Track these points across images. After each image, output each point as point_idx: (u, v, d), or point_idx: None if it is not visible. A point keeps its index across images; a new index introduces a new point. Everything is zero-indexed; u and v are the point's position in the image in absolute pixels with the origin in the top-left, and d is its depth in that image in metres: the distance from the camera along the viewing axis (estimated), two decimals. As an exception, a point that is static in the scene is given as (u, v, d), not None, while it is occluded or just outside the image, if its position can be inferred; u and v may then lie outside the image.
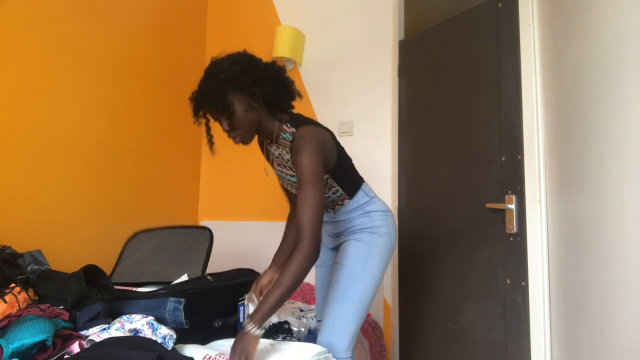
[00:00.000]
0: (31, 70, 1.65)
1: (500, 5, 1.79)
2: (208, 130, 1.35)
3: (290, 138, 1.31)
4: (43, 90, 1.69)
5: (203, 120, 1.33)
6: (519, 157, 1.65)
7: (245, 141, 1.34)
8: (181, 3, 2.65)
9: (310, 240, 1.18)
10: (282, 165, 1.40)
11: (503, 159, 1.73)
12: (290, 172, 1.37)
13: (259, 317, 1.12)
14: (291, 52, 2.54)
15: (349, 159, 1.46)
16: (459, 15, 2.03)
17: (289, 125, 1.33)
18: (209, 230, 1.66)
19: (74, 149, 1.84)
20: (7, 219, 1.54)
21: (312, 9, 2.69)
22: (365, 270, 1.33)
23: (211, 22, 2.92)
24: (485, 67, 1.85)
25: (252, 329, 1.11)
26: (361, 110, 2.52)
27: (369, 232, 1.37)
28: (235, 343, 1.12)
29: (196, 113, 1.30)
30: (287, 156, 1.34)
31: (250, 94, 1.28)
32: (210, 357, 1.12)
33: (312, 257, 1.18)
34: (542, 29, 1.60)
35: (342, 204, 1.42)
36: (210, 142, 1.37)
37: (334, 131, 2.58)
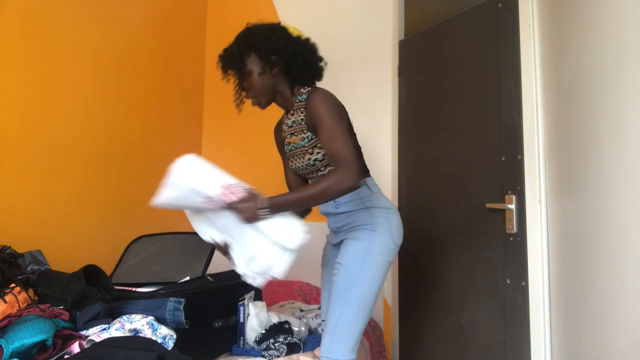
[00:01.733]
0: (31, 70, 1.65)
1: (500, 5, 1.79)
2: (236, 87, 1.43)
3: (305, 97, 1.36)
4: (43, 90, 1.69)
5: (232, 78, 1.42)
6: (519, 157, 1.65)
7: (261, 104, 1.42)
8: (181, 3, 2.65)
9: (347, 166, 1.17)
10: (294, 134, 1.40)
11: (503, 159, 1.73)
12: (302, 135, 1.38)
13: (272, 204, 1.17)
14: (291, 52, 2.54)
15: (356, 142, 1.47)
16: (459, 15, 2.03)
17: (305, 88, 1.40)
18: None
19: (74, 149, 1.83)
20: (7, 219, 1.53)
21: (312, 9, 2.69)
22: (363, 270, 1.32)
23: (211, 22, 2.92)
24: (485, 67, 1.85)
25: (262, 210, 1.16)
26: (361, 110, 2.50)
27: (368, 229, 1.35)
28: (242, 204, 1.17)
29: (224, 71, 1.41)
30: (302, 116, 1.37)
31: (266, 60, 1.37)
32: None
33: (347, 182, 1.17)
34: (542, 29, 1.60)
35: None
36: (239, 100, 1.45)
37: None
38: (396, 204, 2.32)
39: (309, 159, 1.39)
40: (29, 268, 1.30)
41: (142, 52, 2.26)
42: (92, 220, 1.91)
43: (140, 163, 2.24)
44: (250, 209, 1.17)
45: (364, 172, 1.45)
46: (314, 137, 1.35)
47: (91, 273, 1.26)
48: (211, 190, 1.15)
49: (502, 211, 1.69)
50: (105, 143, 2.00)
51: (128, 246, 1.68)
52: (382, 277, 1.36)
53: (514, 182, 1.66)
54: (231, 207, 1.18)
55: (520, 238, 1.62)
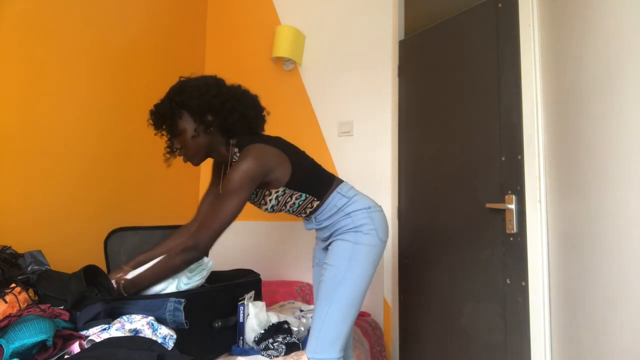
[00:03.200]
0: (31, 70, 1.65)
1: (500, 5, 1.79)
2: (170, 144, 1.41)
3: (236, 159, 1.34)
4: (43, 90, 1.69)
5: (165, 134, 1.40)
6: (519, 157, 1.65)
7: (193, 162, 1.41)
8: (181, 3, 2.65)
9: (196, 242, 1.24)
10: None
11: (503, 159, 1.73)
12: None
13: (129, 288, 1.28)
14: (291, 52, 2.54)
15: (310, 165, 1.44)
16: (459, 15, 2.03)
17: (237, 149, 1.37)
18: None
19: (74, 149, 1.83)
20: (7, 219, 1.54)
21: (312, 9, 2.69)
22: (350, 269, 1.31)
23: (211, 22, 2.92)
24: (485, 67, 1.85)
25: (122, 289, 1.28)
26: (361, 110, 2.52)
27: (353, 231, 1.35)
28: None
29: (155, 128, 1.39)
30: None
31: (201, 120, 1.33)
32: None
33: (190, 257, 1.25)
34: (542, 29, 1.60)
35: (312, 207, 1.41)
36: (170, 154, 1.43)
37: (333, 131, 2.61)
38: (396, 204, 2.32)
39: (267, 209, 1.41)
40: (29, 268, 1.30)
41: (142, 52, 2.26)
42: (92, 221, 1.91)
43: (140, 163, 2.24)
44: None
45: (327, 182, 1.41)
46: (258, 190, 1.36)
47: (91, 273, 1.26)
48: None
49: (502, 211, 1.69)
50: (105, 143, 2.00)
51: (105, 245, 1.63)
52: (369, 276, 1.35)
53: (514, 182, 1.66)
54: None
55: (520, 238, 1.62)
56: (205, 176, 2.82)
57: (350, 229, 1.35)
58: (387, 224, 1.41)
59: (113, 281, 1.32)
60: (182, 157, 1.41)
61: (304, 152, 1.47)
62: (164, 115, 1.34)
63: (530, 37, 1.63)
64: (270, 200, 1.38)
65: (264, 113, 1.47)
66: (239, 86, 1.43)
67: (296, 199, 1.38)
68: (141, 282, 1.29)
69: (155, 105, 1.37)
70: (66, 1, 1.80)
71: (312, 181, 1.40)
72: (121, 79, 2.10)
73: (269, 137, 1.43)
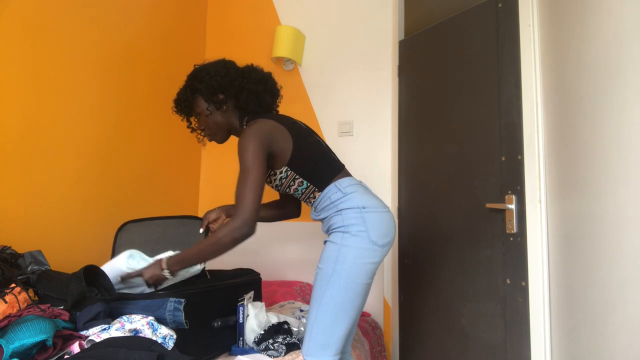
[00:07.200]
0: (31, 70, 1.65)
1: (500, 5, 1.79)
2: (190, 124, 1.53)
3: None
4: (43, 91, 1.69)
5: (193, 119, 1.51)
6: (519, 157, 1.65)
7: (216, 141, 1.49)
8: (181, 3, 2.65)
9: (240, 216, 1.22)
10: None
11: (503, 159, 1.73)
12: None
13: (173, 265, 1.28)
14: (291, 52, 2.54)
15: (316, 150, 1.41)
16: (459, 15, 2.03)
17: (246, 125, 1.42)
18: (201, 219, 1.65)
19: (75, 149, 1.84)
20: (7, 219, 1.54)
21: (312, 9, 2.69)
22: (336, 272, 1.26)
23: (211, 22, 2.92)
24: (485, 67, 1.85)
25: (165, 271, 1.28)
26: (361, 110, 2.52)
27: (340, 232, 1.30)
28: (147, 269, 1.31)
29: (180, 115, 1.51)
30: None
31: (212, 100, 1.41)
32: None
33: (236, 233, 1.23)
34: (542, 29, 1.60)
35: (314, 197, 1.39)
36: (194, 133, 1.55)
37: (333, 131, 2.60)
38: (396, 204, 2.32)
39: (272, 187, 1.44)
40: (29, 268, 1.30)
41: (142, 52, 2.26)
42: (92, 221, 1.91)
43: (140, 163, 2.24)
44: (155, 271, 1.30)
45: (329, 173, 1.38)
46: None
47: (91, 273, 1.26)
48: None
49: (502, 211, 1.69)
50: (105, 143, 2.00)
51: (116, 236, 1.66)
52: (362, 279, 1.28)
53: (514, 182, 1.66)
54: (138, 273, 1.32)
55: (520, 238, 1.62)
56: (205, 175, 2.82)
57: (339, 227, 1.31)
58: (389, 227, 1.33)
59: (162, 256, 1.33)
60: (204, 142, 1.53)
61: (315, 139, 1.44)
62: (181, 101, 1.46)
63: (530, 37, 1.63)
64: (275, 179, 1.41)
65: (274, 89, 1.50)
66: (250, 65, 1.49)
67: (299, 185, 1.38)
68: (185, 259, 1.28)
69: (177, 93, 1.48)
70: (68, 1, 1.80)
71: (312, 167, 1.37)
72: (121, 79, 2.10)
73: (277, 114, 1.46)
